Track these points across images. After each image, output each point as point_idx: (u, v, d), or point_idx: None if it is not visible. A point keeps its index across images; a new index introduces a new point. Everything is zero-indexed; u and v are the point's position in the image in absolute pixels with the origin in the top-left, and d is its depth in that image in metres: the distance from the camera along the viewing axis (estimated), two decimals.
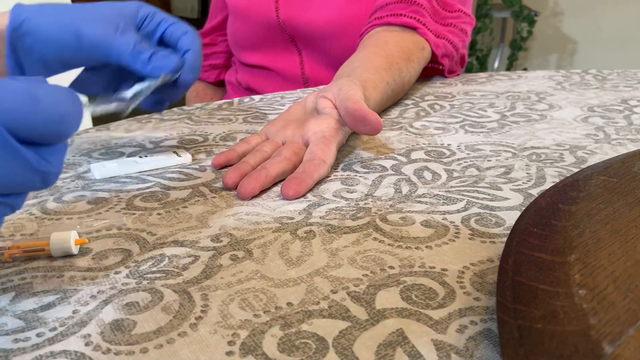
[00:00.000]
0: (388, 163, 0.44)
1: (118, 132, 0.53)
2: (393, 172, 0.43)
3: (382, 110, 0.60)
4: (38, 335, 0.24)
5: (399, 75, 0.60)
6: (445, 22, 0.70)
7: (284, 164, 0.41)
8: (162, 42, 0.44)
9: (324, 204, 0.37)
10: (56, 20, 0.39)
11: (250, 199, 0.38)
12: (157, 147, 0.49)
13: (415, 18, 0.66)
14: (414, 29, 0.66)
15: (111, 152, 0.48)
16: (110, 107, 0.39)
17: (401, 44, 0.64)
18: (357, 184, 0.40)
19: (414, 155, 0.46)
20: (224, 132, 0.53)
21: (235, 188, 0.39)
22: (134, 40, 0.40)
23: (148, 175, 0.42)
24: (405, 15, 0.66)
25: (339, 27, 0.76)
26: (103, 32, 0.40)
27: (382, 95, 0.55)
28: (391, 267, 0.29)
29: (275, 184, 0.40)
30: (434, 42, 0.68)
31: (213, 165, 0.43)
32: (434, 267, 0.29)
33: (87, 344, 0.24)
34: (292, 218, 0.35)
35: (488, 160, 0.45)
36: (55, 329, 0.25)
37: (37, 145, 0.21)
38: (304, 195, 0.38)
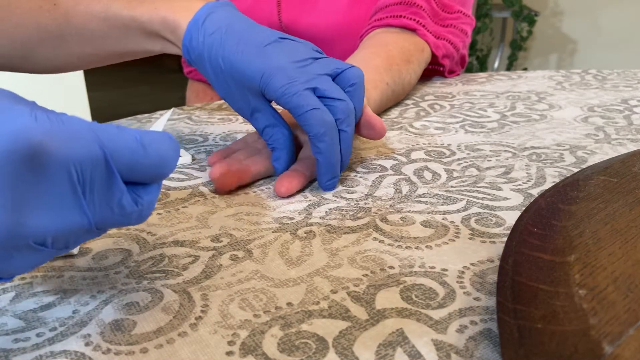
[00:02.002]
0: (388, 163, 0.44)
1: None
2: (393, 172, 0.43)
3: (382, 110, 0.60)
4: (38, 335, 0.24)
5: (399, 76, 0.60)
6: (444, 23, 0.70)
7: (267, 163, 0.41)
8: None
9: (324, 204, 0.37)
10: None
11: (229, 193, 0.39)
12: None
13: (414, 20, 0.66)
14: (413, 30, 0.66)
15: None
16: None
17: (401, 45, 0.64)
18: (357, 184, 0.40)
19: (414, 155, 0.46)
20: (224, 132, 0.53)
21: (219, 182, 0.39)
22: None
23: None
24: (405, 17, 0.66)
25: (341, 30, 0.76)
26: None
27: (381, 96, 0.55)
28: (391, 267, 0.29)
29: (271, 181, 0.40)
30: (433, 43, 0.68)
31: (209, 163, 0.43)
32: (434, 267, 0.29)
33: (87, 344, 0.24)
34: (292, 218, 0.35)
35: (488, 160, 0.45)
36: (55, 329, 0.25)
37: (135, 185, 0.23)
38: (300, 192, 0.38)
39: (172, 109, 0.37)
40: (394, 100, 0.61)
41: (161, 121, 0.34)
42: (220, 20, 0.40)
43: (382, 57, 0.60)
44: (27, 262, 0.21)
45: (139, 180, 0.23)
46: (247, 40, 0.39)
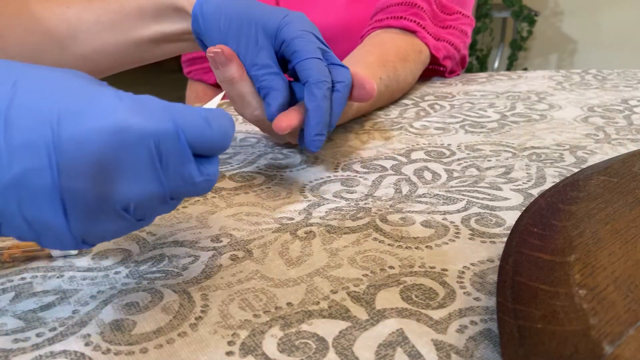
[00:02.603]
0: (388, 163, 0.44)
1: None
2: (393, 172, 0.43)
3: (382, 110, 0.60)
4: (38, 335, 0.24)
5: (393, 72, 0.60)
6: (444, 24, 0.70)
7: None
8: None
9: (323, 204, 0.37)
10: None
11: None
12: None
13: (415, 21, 0.66)
14: (413, 32, 0.66)
15: None
16: None
17: (398, 45, 0.64)
18: (357, 184, 0.40)
19: (414, 155, 0.46)
20: None
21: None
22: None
23: None
24: (405, 18, 0.66)
25: (340, 30, 0.76)
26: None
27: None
28: (391, 267, 0.29)
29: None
30: (433, 45, 0.68)
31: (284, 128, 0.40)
32: (434, 267, 0.29)
33: (87, 344, 0.24)
34: (292, 218, 0.35)
35: (488, 160, 0.45)
36: (55, 329, 0.25)
37: (198, 158, 0.26)
38: (300, 192, 0.38)
39: (223, 92, 0.39)
40: (389, 97, 0.61)
41: (213, 102, 0.36)
42: None
43: (376, 55, 0.60)
44: (112, 227, 0.23)
45: (203, 153, 0.26)
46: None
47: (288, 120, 0.38)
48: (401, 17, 0.67)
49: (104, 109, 0.22)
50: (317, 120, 0.39)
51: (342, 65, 0.43)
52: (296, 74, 0.42)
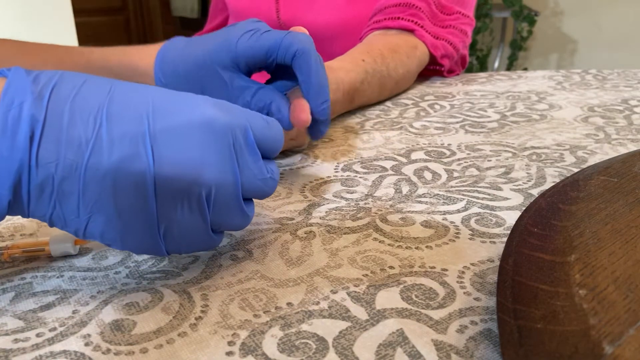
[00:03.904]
0: (388, 163, 0.44)
1: None
2: (393, 172, 0.43)
3: (382, 110, 0.60)
4: (38, 335, 0.24)
5: (381, 59, 0.60)
6: (444, 24, 0.70)
7: None
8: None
9: (324, 204, 0.37)
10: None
11: None
12: None
13: (413, 21, 0.66)
14: (411, 31, 0.66)
15: None
16: None
17: (388, 40, 0.64)
18: (357, 185, 0.40)
19: (414, 156, 0.46)
20: None
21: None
22: None
23: None
24: (403, 19, 0.66)
25: (339, 28, 0.76)
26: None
27: (356, 75, 0.56)
28: (391, 267, 0.29)
29: None
30: (431, 43, 0.68)
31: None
32: (434, 267, 0.29)
33: (87, 344, 0.24)
34: (292, 218, 0.35)
35: (488, 160, 0.45)
36: (55, 329, 0.25)
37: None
38: (300, 193, 0.38)
39: None
40: (378, 83, 0.60)
41: None
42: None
43: (362, 47, 0.60)
44: (191, 222, 0.26)
45: (263, 153, 0.28)
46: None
47: (300, 110, 0.38)
48: (399, 18, 0.67)
49: (192, 105, 0.25)
50: (318, 89, 0.38)
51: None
52: (275, 70, 0.42)
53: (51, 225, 0.25)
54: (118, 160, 0.23)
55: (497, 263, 0.30)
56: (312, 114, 0.39)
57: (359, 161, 0.45)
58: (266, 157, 0.29)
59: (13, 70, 0.24)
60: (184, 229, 0.26)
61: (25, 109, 0.22)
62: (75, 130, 0.23)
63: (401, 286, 0.28)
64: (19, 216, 0.35)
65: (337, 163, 0.45)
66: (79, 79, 0.24)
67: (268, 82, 0.43)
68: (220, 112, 0.26)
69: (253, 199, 0.29)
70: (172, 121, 0.24)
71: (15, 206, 0.24)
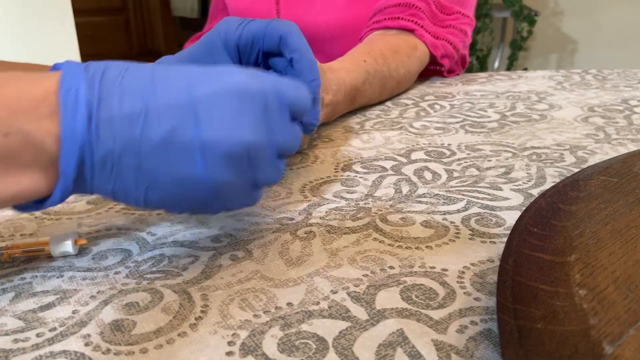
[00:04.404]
0: (388, 163, 0.44)
1: None
2: (393, 172, 0.43)
3: (382, 110, 0.60)
4: (38, 335, 0.24)
5: (382, 60, 0.60)
6: (443, 24, 0.70)
7: None
8: None
9: (324, 204, 0.37)
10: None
11: None
12: None
13: (412, 21, 0.66)
14: (411, 31, 0.66)
15: None
16: None
17: (388, 40, 0.64)
18: (357, 184, 0.40)
19: (414, 156, 0.46)
20: None
21: None
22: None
23: None
24: (402, 19, 0.66)
25: (339, 29, 0.76)
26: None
27: (358, 76, 0.56)
28: (391, 267, 0.29)
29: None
30: (431, 43, 0.68)
31: None
32: (434, 267, 0.29)
33: (86, 344, 0.24)
34: (292, 218, 0.35)
35: (488, 160, 0.45)
36: (55, 329, 0.25)
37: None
38: (301, 193, 0.38)
39: None
40: (379, 84, 0.60)
41: None
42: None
43: (362, 47, 0.60)
44: (237, 178, 0.28)
45: (297, 116, 0.30)
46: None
47: None
48: (399, 18, 0.67)
49: (227, 74, 0.27)
50: (309, 64, 0.39)
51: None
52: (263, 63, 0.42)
53: (114, 199, 0.27)
54: (169, 129, 0.25)
55: (497, 263, 0.30)
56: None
57: (359, 161, 0.45)
58: (295, 117, 0.31)
59: (66, 62, 0.27)
60: (231, 189, 0.28)
61: (81, 94, 0.25)
62: (125, 108, 0.25)
63: (401, 286, 0.28)
64: (19, 216, 0.35)
65: (337, 163, 0.45)
66: (122, 66, 0.27)
67: None
68: (252, 78, 0.28)
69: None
70: (210, 89, 0.26)
71: (80, 183, 0.26)
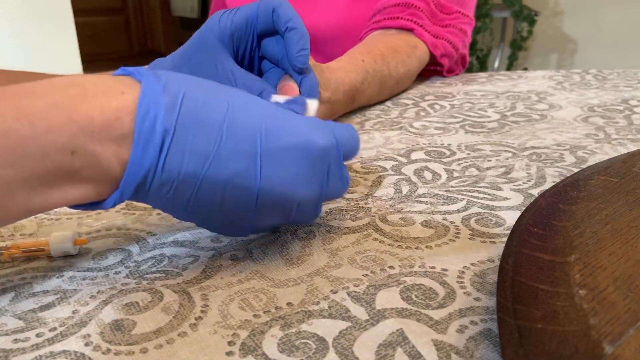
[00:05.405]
0: (388, 163, 0.44)
1: None
2: (393, 172, 0.43)
3: (382, 110, 0.60)
4: (38, 335, 0.24)
5: (381, 59, 0.60)
6: (443, 23, 0.70)
7: None
8: None
9: (323, 204, 0.37)
10: None
11: None
12: None
13: (412, 20, 0.67)
14: (410, 30, 0.66)
15: None
16: None
17: (388, 40, 0.64)
18: (357, 184, 0.40)
19: (414, 156, 0.46)
20: None
21: None
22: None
23: None
24: (402, 18, 0.67)
25: (340, 30, 0.76)
26: None
27: (356, 75, 0.55)
28: (391, 267, 0.29)
29: None
30: (431, 42, 0.68)
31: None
32: (434, 267, 0.29)
33: (86, 344, 0.24)
34: None
35: (488, 160, 0.45)
36: (55, 329, 0.25)
37: None
38: None
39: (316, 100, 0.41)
40: (379, 83, 0.60)
41: (311, 106, 0.38)
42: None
43: (362, 47, 0.60)
44: (276, 222, 0.30)
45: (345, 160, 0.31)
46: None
47: (290, 90, 0.38)
48: (398, 18, 0.67)
49: (297, 127, 0.28)
50: (299, 34, 0.38)
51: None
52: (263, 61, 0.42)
53: (154, 207, 0.28)
54: (232, 174, 0.26)
55: (497, 263, 0.30)
56: (288, 59, 0.39)
57: (359, 161, 0.45)
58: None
59: (145, 75, 0.26)
60: (269, 227, 0.31)
61: (158, 122, 0.24)
62: (198, 143, 0.25)
63: (401, 286, 0.28)
64: None
65: None
66: (202, 89, 0.27)
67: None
68: (318, 134, 0.28)
69: None
70: (279, 143, 0.27)
71: (132, 198, 0.26)
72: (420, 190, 0.39)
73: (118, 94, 0.24)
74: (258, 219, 0.28)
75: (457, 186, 0.40)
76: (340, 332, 0.24)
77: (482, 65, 2.79)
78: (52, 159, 0.23)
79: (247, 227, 0.29)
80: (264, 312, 0.26)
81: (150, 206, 0.29)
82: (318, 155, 0.28)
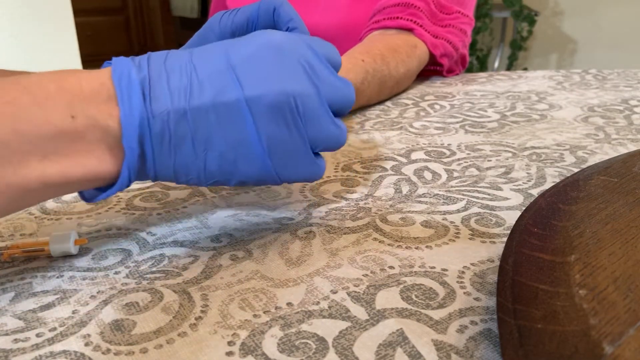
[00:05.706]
0: (388, 163, 0.44)
1: None
2: (393, 172, 0.43)
3: (382, 110, 0.60)
4: (38, 335, 0.24)
5: (381, 59, 0.60)
6: (443, 23, 0.70)
7: None
8: None
9: (323, 204, 0.37)
10: None
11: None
12: None
13: (412, 20, 0.67)
14: (410, 30, 0.66)
15: None
16: None
17: (388, 40, 0.64)
18: (357, 184, 0.40)
19: (414, 156, 0.46)
20: None
21: None
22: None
23: None
24: (402, 18, 0.67)
25: (341, 30, 0.76)
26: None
27: (356, 75, 0.55)
28: (391, 267, 0.29)
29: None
30: (431, 42, 0.68)
31: None
32: (434, 267, 0.29)
33: (86, 344, 0.24)
34: (292, 218, 0.35)
35: (488, 160, 0.45)
36: (55, 329, 0.25)
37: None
38: (301, 192, 0.38)
39: None
40: (378, 83, 0.60)
41: None
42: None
43: (362, 47, 0.60)
44: (290, 130, 0.29)
45: (339, 112, 0.31)
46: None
47: None
48: (398, 18, 0.67)
49: (261, 35, 0.29)
50: (301, 27, 0.38)
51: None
52: None
53: (176, 180, 0.29)
54: (213, 95, 0.27)
55: (497, 263, 0.30)
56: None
57: (359, 161, 0.45)
58: (338, 115, 0.32)
59: (113, 58, 0.29)
60: (286, 146, 0.29)
61: (133, 75, 0.27)
62: (173, 82, 0.28)
63: (401, 286, 0.28)
64: (19, 215, 0.35)
65: (337, 163, 0.45)
66: (163, 52, 0.29)
67: None
68: (285, 36, 0.29)
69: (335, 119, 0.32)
70: (246, 50, 0.28)
71: (143, 162, 0.28)
72: (420, 190, 0.39)
73: (95, 71, 0.28)
74: (266, 133, 0.28)
75: (457, 186, 0.40)
76: (340, 332, 0.24)
77: (482, 65, 2.79)
78: (55, 124, 0.25)
79: (266, 156, 0.29)
80: (264, 312, 0.26)
81: (174, 182, 0.30)
82: (292, 50, 0.29)
